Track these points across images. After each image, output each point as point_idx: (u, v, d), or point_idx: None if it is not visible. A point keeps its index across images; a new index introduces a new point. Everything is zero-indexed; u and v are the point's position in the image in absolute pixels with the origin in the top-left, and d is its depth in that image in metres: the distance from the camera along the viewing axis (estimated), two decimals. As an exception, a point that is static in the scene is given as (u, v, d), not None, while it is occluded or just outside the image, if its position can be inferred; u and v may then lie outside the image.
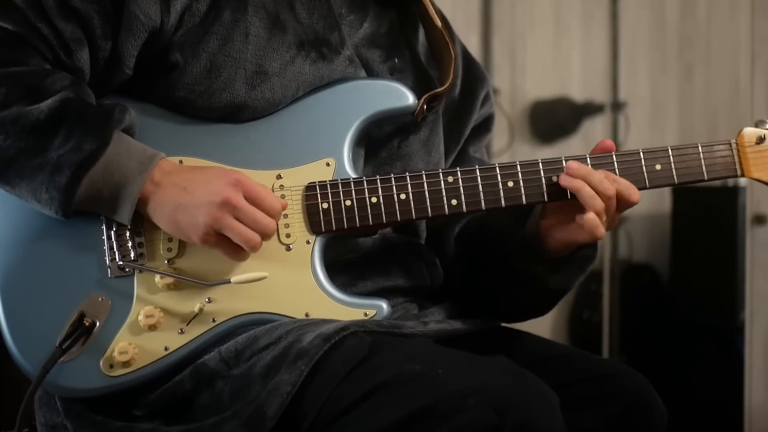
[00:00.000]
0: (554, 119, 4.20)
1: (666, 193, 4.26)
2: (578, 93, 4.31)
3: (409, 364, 1.44)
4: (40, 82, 1.52)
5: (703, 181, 1.66)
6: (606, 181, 1.59)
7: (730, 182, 4.09)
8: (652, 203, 4.43)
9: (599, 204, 1.58)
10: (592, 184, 1.58)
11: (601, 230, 1.59)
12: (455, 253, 1.78)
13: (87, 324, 1.54)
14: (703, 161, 1.65)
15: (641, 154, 1.63)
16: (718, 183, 4.13)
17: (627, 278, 4.23)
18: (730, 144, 1.66)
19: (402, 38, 1.77)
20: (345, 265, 1.65)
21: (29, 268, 1.57)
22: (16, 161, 1.50)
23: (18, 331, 1.56)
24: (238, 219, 1.52)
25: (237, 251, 1.54)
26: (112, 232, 1.56)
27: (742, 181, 3.99)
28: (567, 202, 1.61)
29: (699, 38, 4.57)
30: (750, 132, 1.67)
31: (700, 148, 1.65)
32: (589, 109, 4.27)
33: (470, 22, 4.13)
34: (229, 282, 1.56)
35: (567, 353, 1.72)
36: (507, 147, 4.07)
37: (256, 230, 1.52)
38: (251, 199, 1.53)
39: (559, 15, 4.36)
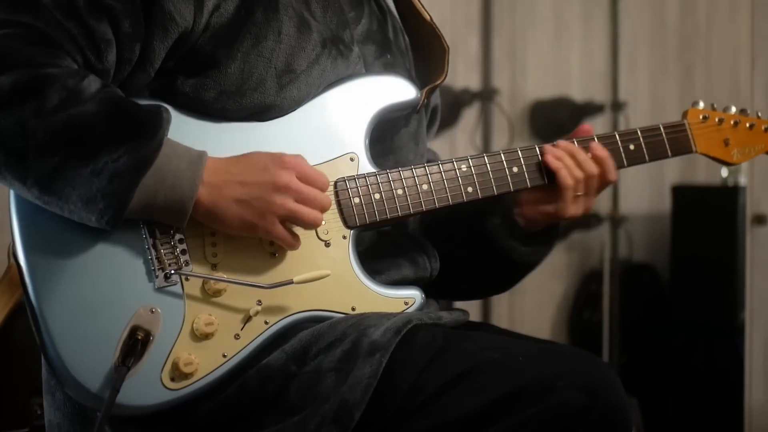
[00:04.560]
0: (554, 119, 4.20)
1: (666, 193, 4.26)
2: (578, 93, 4.31)
3: (488, 353, 1.51)
4: (79, 84, 1.46)
5: (668, 157, 1.83)
6: (590, 161, 1.73)
7: (730, 182, 4.09)
8: (652, 203, 4.43)
9: (576, 185, 1.72)
10: (578, 160, 1.73)
11: (571, 211, 1.73)
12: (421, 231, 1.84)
13: (141, 337, 1.50)
14: (666, 140, 1.82)
15: (617, 136, 1.79)
16: (718, 183, 4.14)
17: (627, 278, 4.23)
18: (684, 124, 1.86)
19: (387, 32, 1.79)
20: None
21: (74, 288, 1.51)
22: (64, 169, 1.44)
23: (71, 353, 1.50)
24: (298, 201, 1.53)
25: (295, 239, 1.56)
26: (157, 241, 1.53)
27: (742, 181, 3.99)
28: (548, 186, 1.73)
29: (699, 38, 4.57)
30: (694, 111, 1.88)
31: (662, 128, 1.83)
32: (589, 109, 4.26)
33: (470, 22, 4.13)
34: (292, 282, 1.56)
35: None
36: (507, 147, 4.07)
37: (317, 208, 1.54)
38: (303, 178, 1.54)
39: (559, 15, 4.36)
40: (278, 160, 1.53)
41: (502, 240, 1.78)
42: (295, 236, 1.56)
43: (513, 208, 1.76)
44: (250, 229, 1.53)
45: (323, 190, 1.56)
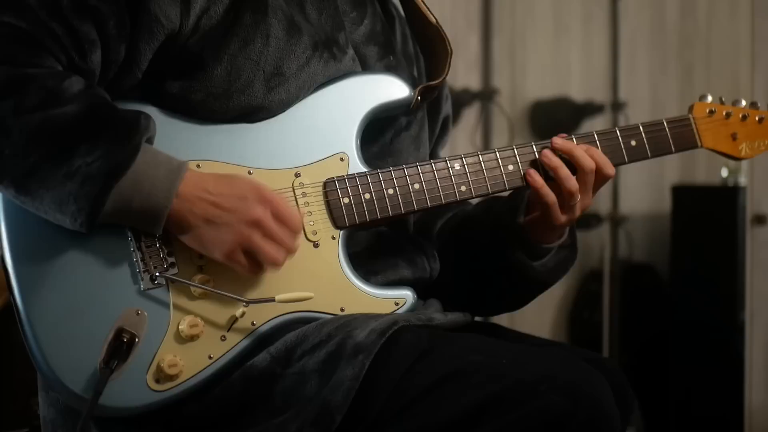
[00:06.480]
0: (554, 119, 4.20)
1: (666, 193, 4.27)
2: (578, 93, 4.31)
3: (472, 356, 1.49)
4: (59, 85, 1.46)
5: (671, 153, 1.79)
6: (587, 157, 1.68)
7: (730, 182, 4.09)
8: (652, 203, 4.43)
9: (573, 184, 1.67)
10: (576, 157, 1.67)
11: (567, 214, 1.68)
12: (438, 248, 1.81)
13: (126, 339, 1.49)
14: (669, 135, 1.78)
15: (617, 131, 1.75)
16: (718, 183, 4.14)
17: (627, 278, 4.23)
18: (689, 118, 1.81)
19: (392, 35, 1.79)
20: (352, 260, 1.65)
21: (60, 290, 1.51)
22: (39, 170, 1.44)
23: (56, 355, 1.50)
24: (265, 237, 1.51)
25: (257, 268, 1.54)
26: (142, 244, 1.52)
27: (742, 181, 3.99)
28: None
29: (699, 38, 4.57)
30: (701, 105, 1.82)
31: (665, 123, 1.78)
32: (589, 109, 4.26)
33: (470, 22, 4.13)
34: (273, 300, 1.55)
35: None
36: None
37: (282, 248, 1.53)
38: (277, 217, 1.53)
39: (559, 15, 4.36)
40: (258, 192, 1.52)
41: (518, 260, 1.75)
42: (256, 265, 1.53)
43: (522, 232, 1.73)
44: (207, 250, 1.52)
45: (295, 231, 1.55)
